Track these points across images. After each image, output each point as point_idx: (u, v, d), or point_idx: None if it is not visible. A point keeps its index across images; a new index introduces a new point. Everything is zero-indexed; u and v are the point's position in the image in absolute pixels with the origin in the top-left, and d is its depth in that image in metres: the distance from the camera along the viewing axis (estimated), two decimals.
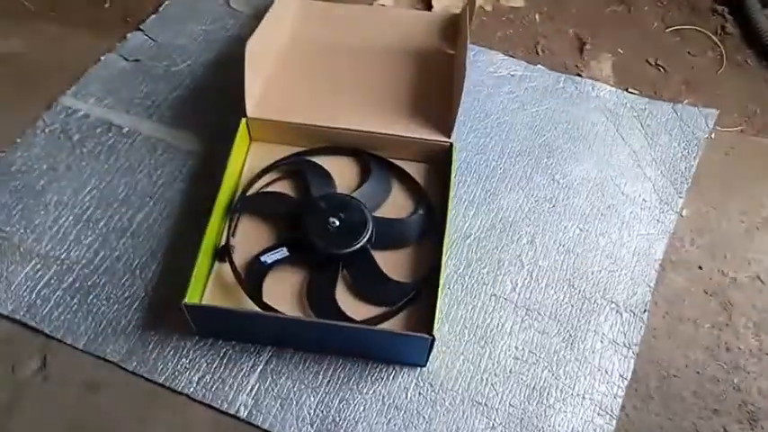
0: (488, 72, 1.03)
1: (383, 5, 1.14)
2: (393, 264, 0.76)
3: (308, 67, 0.95)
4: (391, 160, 0.85)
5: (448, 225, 0.75)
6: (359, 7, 1.10)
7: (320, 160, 0.85)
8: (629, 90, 1.03)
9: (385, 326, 0.70)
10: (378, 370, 0.71)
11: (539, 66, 1.05)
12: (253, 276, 0.72)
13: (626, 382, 0.73)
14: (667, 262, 0.84)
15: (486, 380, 0.72)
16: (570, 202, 0.88)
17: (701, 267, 0.84)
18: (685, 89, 1.05)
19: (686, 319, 0.79)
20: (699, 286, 0.82)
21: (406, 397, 0.70)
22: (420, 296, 0.72)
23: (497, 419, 0.69)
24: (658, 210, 0.88)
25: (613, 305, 0.78)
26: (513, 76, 1.03)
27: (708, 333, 0.78)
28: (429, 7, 1.14)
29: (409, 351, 0.70)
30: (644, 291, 0.80)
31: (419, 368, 0.71)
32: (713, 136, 0.98)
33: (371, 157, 0.84)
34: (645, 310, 0.78)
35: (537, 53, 1.08)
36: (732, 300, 0.81)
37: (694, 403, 0.73)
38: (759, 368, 0.76)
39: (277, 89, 0.89)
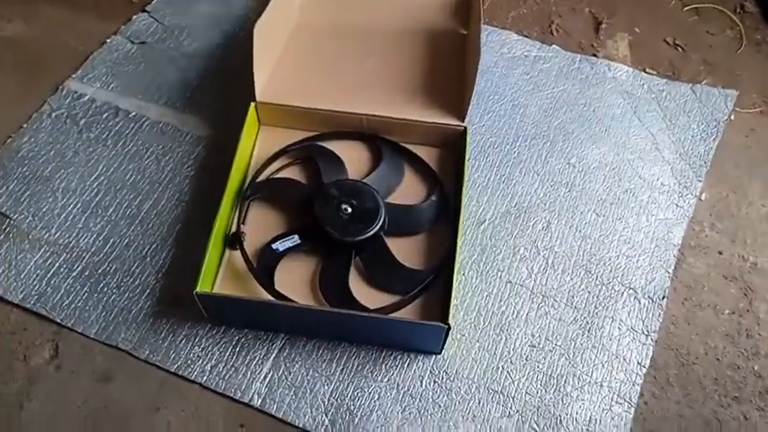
0: (501, 53, 1.00)
1: None
2: (406, 251, 0.74)
3: (318, 50, 0.92)
4: (403, 145, 0.83)
5: (462, 211, 0.73)
6: None
7: (330, 145, 0.83)
8: (647, 70, 1.00)
9: (399, 314, 0.69)
10: (392, 358, 0.70)
11: (553, 46, 1.02)
12: (265, 264, 0.71)
13: (644, 370, 0.71)
14: (686, 247, 0.82)
15: (503, 368, 0.71)
16: (587, 187, 0.86)
17: (720, 252, 0.82)
18: (704, 69, 1.02)
19: (706, 306, 0.78)
20: (719, 271, 0.80)
21: (421, 385, 0.69)
22: (434, 283, 0.71)
23: (514, 407, 0.68)
24: (677, 194, 0.86)
25: (631, 291, 0.77)
26: (527, 56, 1.00)
27: (728, 319, 0.77)
28: None
29: (424, 339, 0.68)
30: (662, 276, 0.78)
31: (434, 356, 0.70)
32: (732, 117, 0.95)
33: (383, 142, 0.83)
34: (663, 297, 0.77)
35: (551, 33, 1.05)
36: (752, 285, 0.80)
37: (714, 390, 0.72)
38: None
39: (286, 72, 0.87)
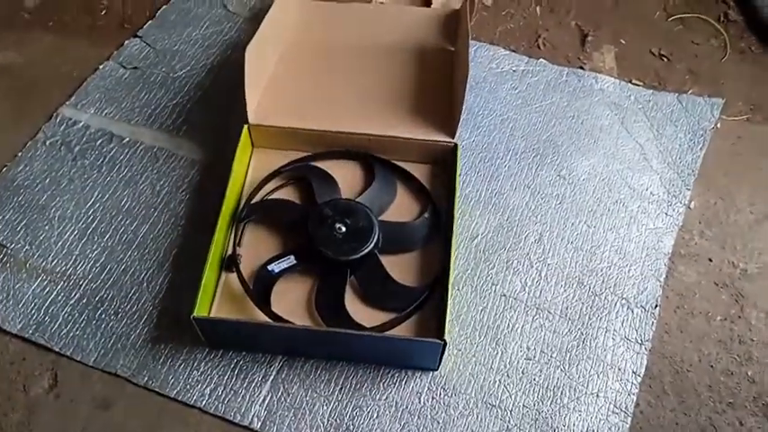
0: (490, 68, 1.02)
1: (382, 3, 1.13)
2: (401, 268, 0.75)
3: (309, 70, 0.94)
4: (395, 162, 0.84)
5: (454, 227, 0.74)
6: (358, 6, 1.08)
7: (324, 165, 0.84)
8: (633, 81, 1.02)
9: (395, 331, 0.70)
10: (390, 375, 0.71)
11: (541, 60, 1.03)
12: (261, 286, 0.72)
13: (639, 379, 0.72)
14: (677, 255, 0.83)
15: (499, 381, 0.71)
16: (577, 198, 0.87)
17: (710, 260, 0.83)
18: (689, 79, 1.04)
19: (698, 313, 0.79)
20: (709, 279, 0.82)
21: (420, 402, 0.69)
22: (429, 300, 0.72)
23: (512, 421, 0.69)
24: (666, 203, 0.87)
25: (624, 301, 0.78)
26: (515, 71, 1.02)
27: (720, 326, 0.78)
28: (428, 3, 1.13)
29: (421, 356, 0.69)
30: (654, 285, 0.79)
31: (431, 372, 0.71)
32: (719, 126, 0.97)
33: (375, 161, 0.84)
34: (656, 305, 0.78)
35: (539, 47, 1.07)
36: (743, 291, 0.81)
37: (709, 397, 0.72)
38: None
39: (278, 94, 0.88)
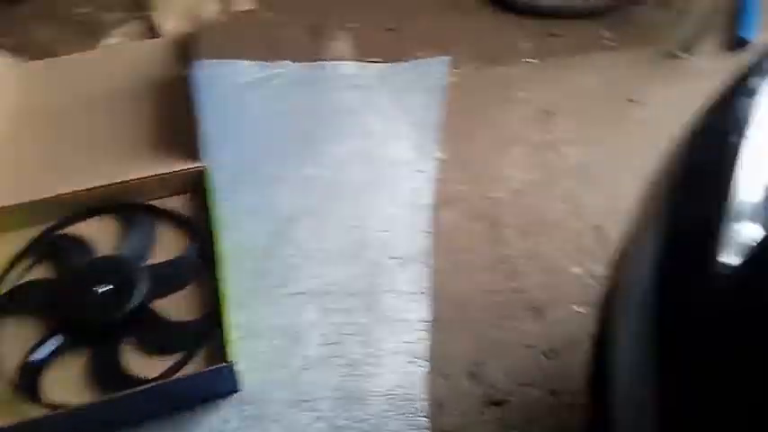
0: (236, 81, 1.04)
1: (110, 44, 1.09)
2: (179, 306, 0.74)
3: (36, 136, 0.88)
4: (149, 203, 0.82)
5: (219, 248, 0.75)
6: (82, 55, 1.03)
7: (76, 229, 0.80)
8: (371, 60, 1.10)
9: (187, 370, 0.69)
10: (195, 413, 0.70)
11: (285, 61, 1.07)
12: (27, 379, 0.66)
13: (427, 324, 0.80)
14: (437, 205, 0.92)
15: (305, 376, 0.74)
16: (342, 182, 0.92)
17: (466, 199, 0.94)
18: (420, 44, 1.14)
19: (464, 248, 0.88)
20: (467, 216, 0.92)
21: (231, 426, 0.70)
22: (214, 328, 0.72)
23: (323, 408, 0.72)
24: (420, 161, 0.96)
25: (400, 260, 0.85)
26: (261, 78, 1.05)
27: (483, 253, 0.88)
28: (157, 34, 1.11)
29: (217, 384, 0.69)
30: (422, 238, 0.87)
31: (237, 393, 0.72)
32: (453, 79, 1.08)
33: (126, 207, 0.81)
34: (427, 255, 0.86)
35: (279, 50, 1.11)
36: (497, 216, 0.92)
37: (485, 317, 0.82)
38: (532, 266, 0.87)
39: (6, 170, 0.82)
